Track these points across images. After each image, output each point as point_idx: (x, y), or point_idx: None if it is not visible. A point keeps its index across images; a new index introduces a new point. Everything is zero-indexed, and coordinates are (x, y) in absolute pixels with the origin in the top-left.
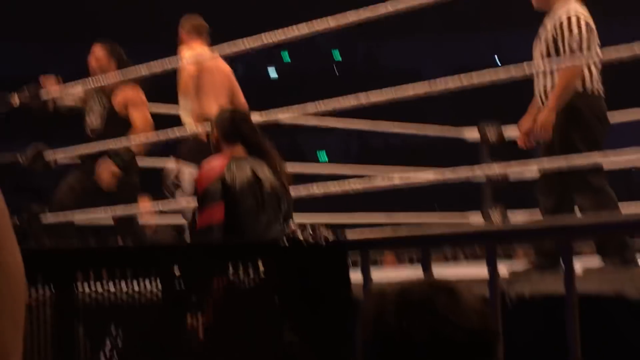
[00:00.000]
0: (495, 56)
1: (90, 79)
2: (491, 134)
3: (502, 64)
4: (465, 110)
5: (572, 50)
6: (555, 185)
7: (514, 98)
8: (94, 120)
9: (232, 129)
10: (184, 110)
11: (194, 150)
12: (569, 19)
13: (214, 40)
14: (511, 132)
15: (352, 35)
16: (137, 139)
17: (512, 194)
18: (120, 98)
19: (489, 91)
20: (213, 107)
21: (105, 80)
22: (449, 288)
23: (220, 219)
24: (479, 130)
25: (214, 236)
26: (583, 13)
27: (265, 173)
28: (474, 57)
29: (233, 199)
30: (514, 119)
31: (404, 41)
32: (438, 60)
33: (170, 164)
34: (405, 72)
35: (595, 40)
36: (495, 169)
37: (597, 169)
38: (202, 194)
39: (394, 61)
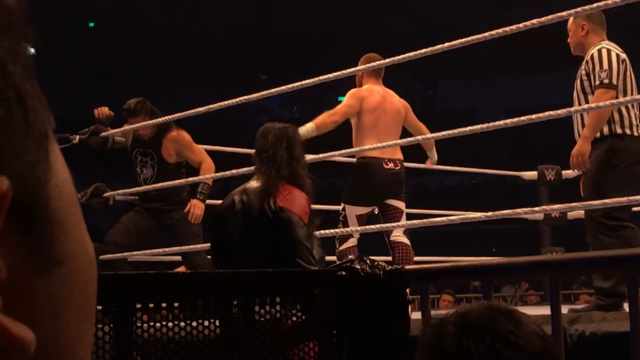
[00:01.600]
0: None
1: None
2: (549, 174)
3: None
4: (523, 155)
5: (602, 82)
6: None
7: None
8: (146, 172)
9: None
10: None
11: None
12: (599, 51)
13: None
14: (570, 172)
15: (409, 76)
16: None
17: (573, 237)
18: (167, 147)
19: (546, 133)
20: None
21: (149, 133)
22: (509, 310)
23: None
24: (538, 172)
25: None
26: (615, 47)
27: (247, 198)
28: (529, 98)
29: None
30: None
31: (461, 82)
32: (494, 102)
33: None
34: (461, 114)
35: (629, 74)
36: (554, 209)
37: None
38: None
39: (451, 103)
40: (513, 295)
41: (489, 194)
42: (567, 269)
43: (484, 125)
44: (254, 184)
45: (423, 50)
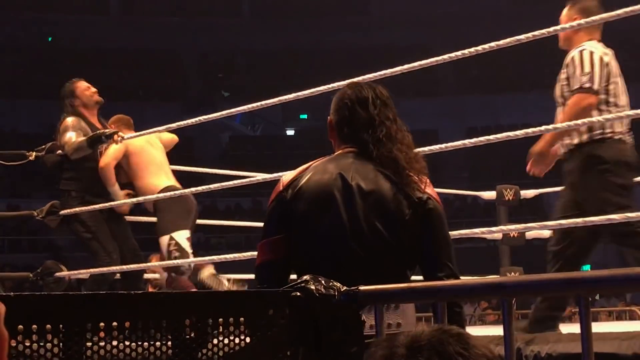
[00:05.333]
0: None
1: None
2: (508, 194)
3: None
4: (482, 175)
5: (582, 86)
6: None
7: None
8: None
9: (343, 116)
10: None
11: None
12: (581, 53)
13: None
14: (528, 192)
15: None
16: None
17: (531, 256)
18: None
19: (504, 154)
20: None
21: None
22: (459, 333)
23: (266, 258)
24: (496, 191)
25: (259, 278)
26: (600, 49)
27: (367, 177)
28: (490, 118)
29: (298, 215)
30: (530, 180)
31: (422, 102)
32: (455, 121)
33: None
34: (423, 133)
35: (615, 78)
36: (511, 229)
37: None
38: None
39: (412, 121)
40: (472, 314)
41: (449, 214)
42: (521, 291)
43: (443, 145)
44: (346, 163)
45: (382, 72)
